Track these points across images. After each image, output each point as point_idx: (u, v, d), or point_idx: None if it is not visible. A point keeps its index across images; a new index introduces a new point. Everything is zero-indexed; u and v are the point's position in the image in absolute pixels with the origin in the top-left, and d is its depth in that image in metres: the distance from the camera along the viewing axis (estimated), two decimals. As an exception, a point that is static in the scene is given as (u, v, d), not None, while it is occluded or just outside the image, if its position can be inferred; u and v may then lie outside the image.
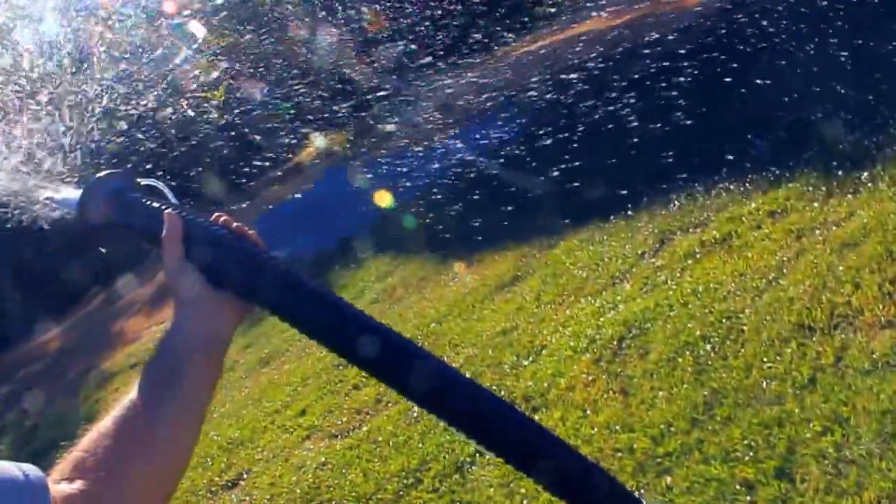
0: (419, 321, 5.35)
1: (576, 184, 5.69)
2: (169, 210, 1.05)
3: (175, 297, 0.99)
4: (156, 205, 1.09)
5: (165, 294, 10.77)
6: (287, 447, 4.58)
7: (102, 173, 1.15)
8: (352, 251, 7.70)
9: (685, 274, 4.05)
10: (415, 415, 4.11)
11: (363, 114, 10.39)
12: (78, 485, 0.78)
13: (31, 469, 0.75)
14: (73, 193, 1.17)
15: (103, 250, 1.20)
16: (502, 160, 7.43)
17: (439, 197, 7.48)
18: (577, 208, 5.53)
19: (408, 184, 8.25)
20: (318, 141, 11.17)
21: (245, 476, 4.55)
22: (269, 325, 7.04)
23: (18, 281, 12.99)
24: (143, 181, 1.17)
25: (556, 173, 6.07)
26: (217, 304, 0.98)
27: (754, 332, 3.29)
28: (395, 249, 7.19)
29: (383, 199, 8.01)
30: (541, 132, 7.14)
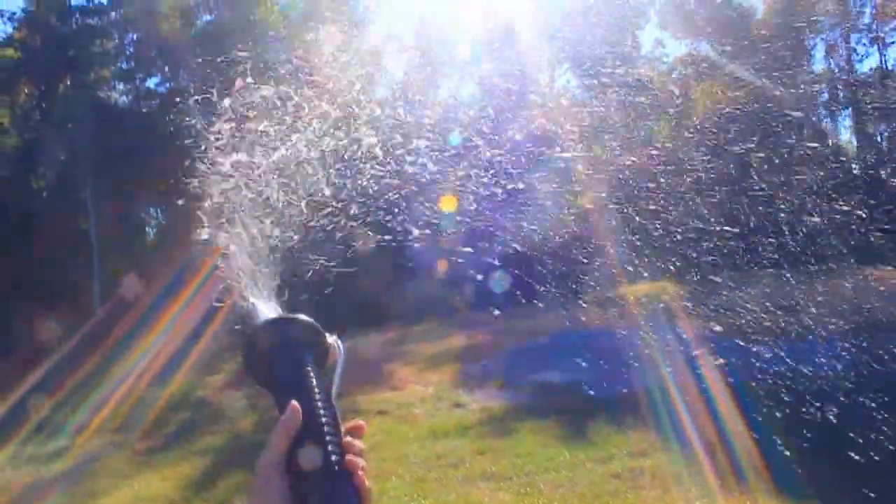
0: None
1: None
2: (297, 403, 0.96)
3: (250, 494, 0.92)
4: (302, 381, 1.01)
5: (438, 363, 11.01)
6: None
7: (301, 317, 1.08)
8: (628, 406, 7.28)
9: None
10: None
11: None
12: None
13: None
14: (269, 314, 1.13)
15: (253, 376, 1.14)
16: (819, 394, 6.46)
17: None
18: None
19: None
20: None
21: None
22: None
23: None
24: (330, 339, 1.09)
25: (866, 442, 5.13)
26: None
27: None
28: (664, 429, 6.65)
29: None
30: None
